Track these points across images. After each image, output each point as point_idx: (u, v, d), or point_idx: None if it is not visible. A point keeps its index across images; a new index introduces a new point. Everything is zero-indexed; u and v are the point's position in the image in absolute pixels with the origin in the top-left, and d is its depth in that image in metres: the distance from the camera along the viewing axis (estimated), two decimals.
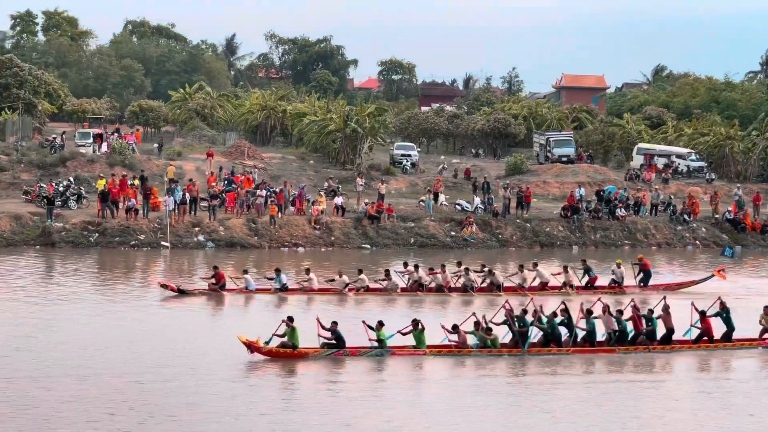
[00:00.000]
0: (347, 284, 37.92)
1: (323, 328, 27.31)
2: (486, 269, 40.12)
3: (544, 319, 29.33)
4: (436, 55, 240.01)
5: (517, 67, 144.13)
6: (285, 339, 26.83)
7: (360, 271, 38.75)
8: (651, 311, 30.46)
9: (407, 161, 71.33)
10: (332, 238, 52.16)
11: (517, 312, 29.76)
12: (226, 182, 56.89)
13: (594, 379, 27.38)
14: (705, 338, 30.08)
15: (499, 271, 40.87)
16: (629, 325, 29.96)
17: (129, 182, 52.81)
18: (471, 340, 28.54)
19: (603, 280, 40.58)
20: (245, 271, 38.42)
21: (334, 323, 27.54)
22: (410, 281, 39.30)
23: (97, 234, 49.55)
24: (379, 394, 25.01)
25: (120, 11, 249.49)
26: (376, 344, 27.54)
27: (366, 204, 54.72)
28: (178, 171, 59.51)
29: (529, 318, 29.25)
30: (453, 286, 39.19)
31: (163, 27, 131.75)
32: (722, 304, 30.97)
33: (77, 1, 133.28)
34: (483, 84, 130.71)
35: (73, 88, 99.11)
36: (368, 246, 52.09)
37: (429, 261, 43.30)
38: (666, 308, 30.34)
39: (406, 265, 40.48)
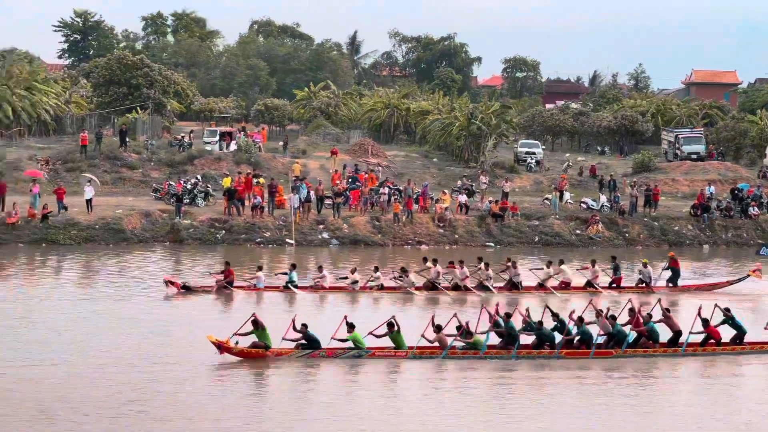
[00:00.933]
0: (356, 281, 37.14)
1: (294, 330, 26.46)
2: (509, 262, 38.56)
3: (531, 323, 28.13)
4: (560, 52, 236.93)
5: (643, 63, 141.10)
6: (256, 339, 26.01)
7: (376, 269, 38.05)
8: (650, 315, 28.61)
9: (531, 159, 70.49)
10: (456, 236, 51.81)
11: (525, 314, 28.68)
12: (350, 180, 57.08)
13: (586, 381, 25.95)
14: (711, 341, 28.58)
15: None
16: (627, 329, 28.34)
17: (254, 181, 53.48)
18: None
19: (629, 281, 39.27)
20: (259, 268, 37.67)
21: (304, 325, 26.49)
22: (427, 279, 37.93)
23: (223, 231, 50.28)
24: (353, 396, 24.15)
25: (246, 12, 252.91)
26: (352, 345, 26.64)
27: (490, 202, 54.17)
28: (302, 169, 60.02)
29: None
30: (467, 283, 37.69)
31: (288, 26, 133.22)
32: (724, 311, 28.91)
33: (205, 3, 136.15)
34: (609, 81, 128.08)
35: (200, 88, 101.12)
36: (492, 244, 51.56)
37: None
38: (666, 311, 28.98)
39: (425, 260, 39.07)
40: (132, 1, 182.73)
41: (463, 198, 54.55)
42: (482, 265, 38.20)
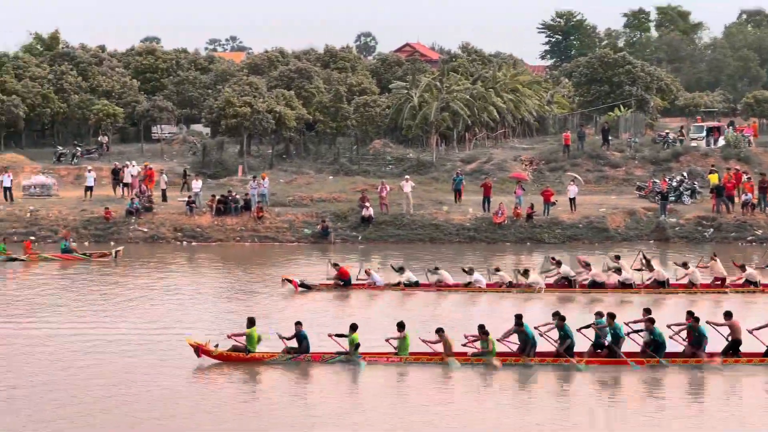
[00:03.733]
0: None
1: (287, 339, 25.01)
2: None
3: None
4: None
5: None
6: (240, 342, 24.85)
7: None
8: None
9: None
10: None
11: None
12: None
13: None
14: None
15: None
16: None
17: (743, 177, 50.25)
18: None
19: None
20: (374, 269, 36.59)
21: (298, 323, 25.09)
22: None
23: (711, 229, 47.85)
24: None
25: (734, 1, 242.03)
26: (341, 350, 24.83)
27: None
28: None
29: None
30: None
31: None
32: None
33: None
34: None
35: (684, 83, 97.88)
36: None
37: None
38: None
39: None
40: None
41: None
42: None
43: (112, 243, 46.41)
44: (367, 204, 49.66)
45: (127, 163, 55.72)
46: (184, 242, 47.90)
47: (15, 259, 41.60)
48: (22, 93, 67.59)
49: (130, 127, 74.15)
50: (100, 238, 47.44)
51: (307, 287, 35.27)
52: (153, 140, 73.64)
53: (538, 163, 61.75)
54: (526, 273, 35.34)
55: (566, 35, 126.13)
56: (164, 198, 52.18)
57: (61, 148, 65.96)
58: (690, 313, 25.38)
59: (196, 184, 51.32)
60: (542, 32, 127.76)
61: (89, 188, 52.60)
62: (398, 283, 35.46)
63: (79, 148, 65.40)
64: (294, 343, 24.91)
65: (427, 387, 23.07)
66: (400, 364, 24.61)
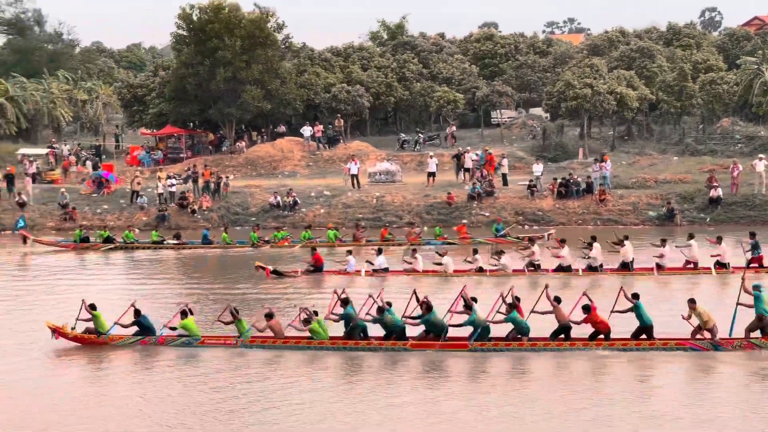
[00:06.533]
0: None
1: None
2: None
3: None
4: None
5: None
6: (91, 324, 25.11)
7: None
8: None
9: None
10: None
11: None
12: None
13: None
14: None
15: None
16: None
17: None
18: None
19: None
20: (349, 252, 36.06)
21: (137, 311, 24.95)
22: None
23: None
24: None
25: None
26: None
27: None
28: None
29: None
30: None
31: None
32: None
33: None
34: None
35: None
36: None
37: None
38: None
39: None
40: None
41: None
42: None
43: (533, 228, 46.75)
44: (716, 184, 47.22)
45: (468, 148, 56.25)
46: (525, 226, 47.49)
47: (450, 243, 40.84)
48: (366, 83, 70.26)
49: (470, 112, 75.03)
50: (443, 222, 48.03)
51: (279, 274, 35.02)
52: (492, 125, 74.15)
53: None
54: None
55: None
56: (505, 182, 52.14)
57: (403, 135, 67.85)
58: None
59: (537, 168, 50.91)
60: None
61: (432, 174, 53.54)
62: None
63: (422, 135, 66.94)
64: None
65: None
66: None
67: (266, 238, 43.31)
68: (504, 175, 52.53)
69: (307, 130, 64.15)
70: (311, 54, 74.79)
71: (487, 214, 48.67)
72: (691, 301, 23.10)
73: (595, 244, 33.91)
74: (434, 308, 23.86)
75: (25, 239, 45.24)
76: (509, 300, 24.02)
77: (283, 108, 66.76)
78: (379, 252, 35.70)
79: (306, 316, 24.25)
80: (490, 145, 59.85)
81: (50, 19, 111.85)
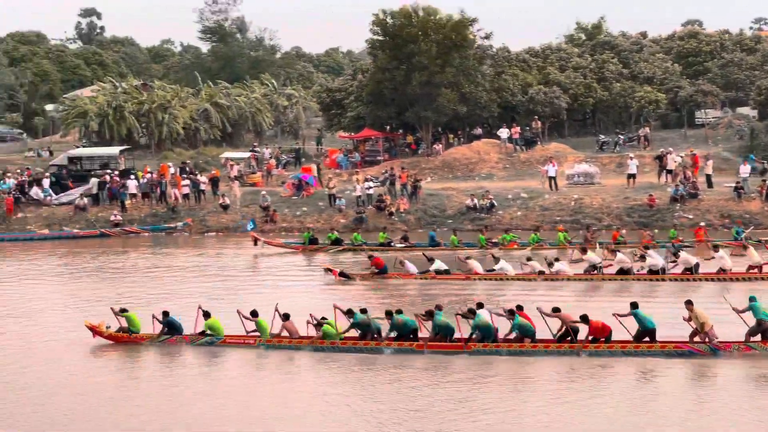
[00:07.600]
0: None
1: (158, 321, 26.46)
2: None
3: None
4: None
5: None
6: (126, 324, 26.73)
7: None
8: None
9: None
10: None
11: None
12: None
13: None
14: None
15: None
16: None
17: None
18: None
19: None
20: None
21: (164, 313, 26.44)
22: None
23: None
24: None
25: None
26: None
27: None
28: None
29: None
30: None
31: None
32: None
33: None
34: None
35: None
36: None
37: None
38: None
39: None
40: None
41: None
42: None
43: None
44: None
45: (671, 149, 54.41)
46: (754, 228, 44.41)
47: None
48: (564, 84, 69.12)
49: (673, 113, 72.61)
50: (644, 225, 46.46)
51: (346, 276, 35.85)
52: (696, 125, 71.64)
53: None
54: None
55: None
56: (709, 184, 50.09)
57: (603, 136, 66.36)
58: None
59: (744, 169, 48.70)
60: None
61: (632, 176, 52.03)
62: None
63: (622, 136, 65.29)
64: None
65: None
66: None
67: (494, 240, 42.75)
68: (708, 177, 50.51)
69: (504, 132, 63.56)
70: (508, 56, 74.09)
71: (690, 216, 46.90)
72: (688, 303, 22.78)
73: None
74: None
75: (255, 241, 45.96)
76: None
77: (479, 111, 66.42)
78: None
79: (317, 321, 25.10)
80: (693, 146, 57.70)
81: (252, 27, 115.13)
